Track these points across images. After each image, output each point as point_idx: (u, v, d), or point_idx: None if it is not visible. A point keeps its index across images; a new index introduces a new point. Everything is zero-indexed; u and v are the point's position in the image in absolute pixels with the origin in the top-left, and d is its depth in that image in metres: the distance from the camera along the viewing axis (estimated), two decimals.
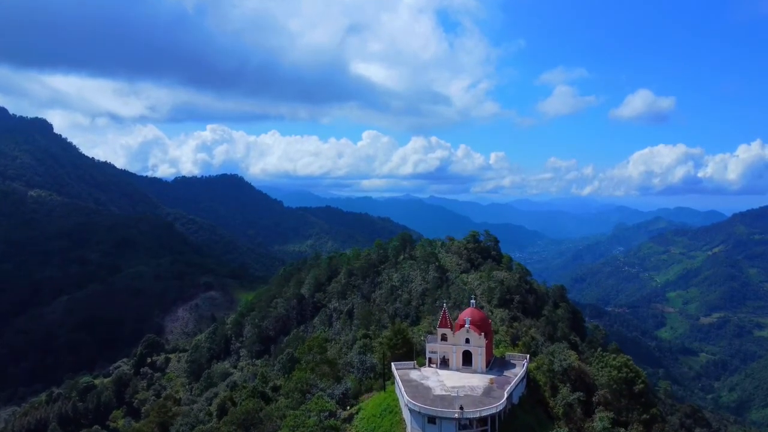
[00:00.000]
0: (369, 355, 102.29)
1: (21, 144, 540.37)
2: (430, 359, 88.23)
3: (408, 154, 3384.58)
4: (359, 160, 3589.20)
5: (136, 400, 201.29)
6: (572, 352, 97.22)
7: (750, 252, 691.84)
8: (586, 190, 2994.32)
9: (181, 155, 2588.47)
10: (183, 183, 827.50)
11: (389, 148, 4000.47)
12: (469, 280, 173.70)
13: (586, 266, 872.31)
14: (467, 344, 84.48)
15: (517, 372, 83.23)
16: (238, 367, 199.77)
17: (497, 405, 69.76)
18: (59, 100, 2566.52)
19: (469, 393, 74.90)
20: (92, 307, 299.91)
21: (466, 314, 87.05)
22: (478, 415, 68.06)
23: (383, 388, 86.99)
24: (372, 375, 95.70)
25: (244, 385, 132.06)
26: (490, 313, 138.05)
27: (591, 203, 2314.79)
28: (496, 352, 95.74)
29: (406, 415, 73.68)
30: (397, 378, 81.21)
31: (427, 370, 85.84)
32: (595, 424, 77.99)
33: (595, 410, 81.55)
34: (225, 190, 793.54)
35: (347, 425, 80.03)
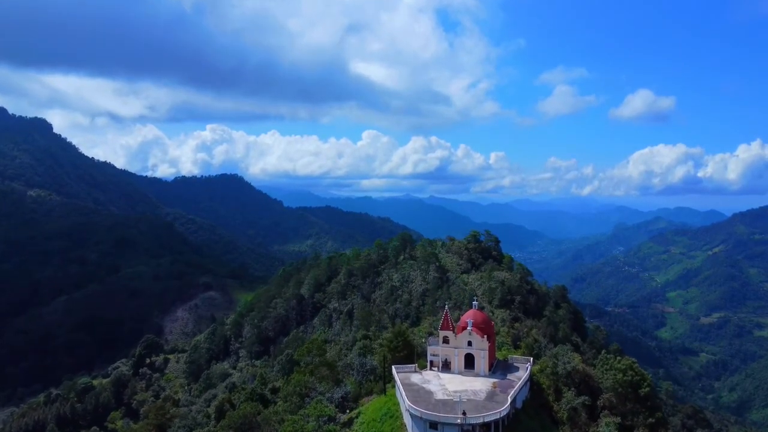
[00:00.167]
0: (369, 357, 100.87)
1: (20, 144, 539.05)
2: (431, 362, 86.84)
3: (408, 154, 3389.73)
4: (359, 159, 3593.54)
5: (135, 401, 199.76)
6: (576, 355, 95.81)
7: (750, 252, 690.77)
8: (586, 190, 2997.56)
9: (181, 155, 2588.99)
10: (183, 183, 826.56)
11: (389, 147, 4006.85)
12: (470, 280, 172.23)
13: (586, 266, 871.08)
14: (470, 347, 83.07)
15: (521, 375, 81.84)
16: (237, 367, 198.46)
17: (501, 410, 68.31)
18: (59, 99, 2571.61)
19: (471, 397, 73.39)
20: (91, 307, 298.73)
21: (469, 316, 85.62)
22: (481, 421, 66.60)
23: (383, 391, 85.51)
24: (372, 378, 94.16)
25: (243, 386, 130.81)
26: (491, 314, 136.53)
27: (591, 203, 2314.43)
28: (498, 355, 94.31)
29: (407, 420, 72.24)
30: (398, 382, 79.78)
31: (428, 374, 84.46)
32: (600, 429, 76.56)
33: (600, 414, 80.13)
34: (225, 190, 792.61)
35: (347, 430, 78.61)
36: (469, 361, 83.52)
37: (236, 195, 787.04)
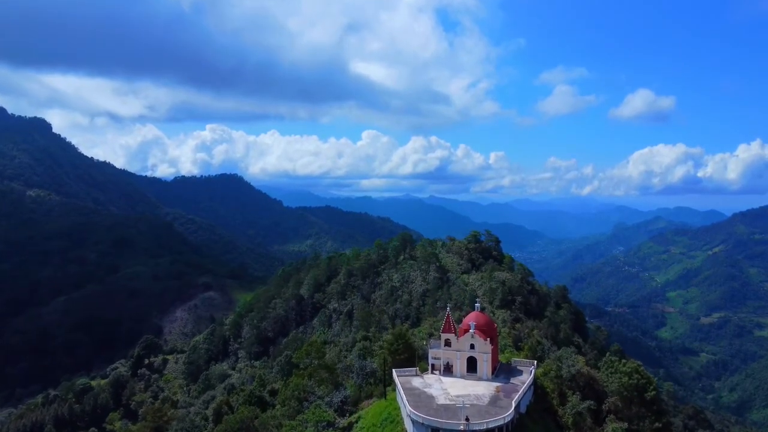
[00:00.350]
0: (369, 359, 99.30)
1: (19, 144, 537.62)
2: (432, 365, 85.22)
3: (408, 154, 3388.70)
4: (359, 159, 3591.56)
5: (134, 402, 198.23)
6: (580, 357, 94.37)
7: (750, 252, 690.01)
8: (586, 190, 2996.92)
9: (181, 155, 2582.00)
10: (182, 183, 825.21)
11: (389, 147, 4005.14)
12: (471, 280, 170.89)
13: (586, 266, 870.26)
14: (472, 350, 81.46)
15: (524, 379, 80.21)
16: (237, 368, 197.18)
17: (505, 416, 66.76)
18: (58, 99, 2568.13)
19: (474, 402, 71.73)
20: (90, 307, 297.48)
21: (471, 318, 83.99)
22: (485, 427, 64.97)
23: (384, 395, 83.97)
24: (372, 381, 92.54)
25: (242, 388, 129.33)
26: (492, 315, 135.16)
27: (591, 203, 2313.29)
28: (501, 358, 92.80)
29: (408, 425, 70.62)
30: (399, 386, 78.15)
31: (429, 377, 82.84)
32: None
33: (606, 419, 78.64)
34: (224, 190, 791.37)
35: None
36: (472, 365, 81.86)
37: (236, 195, 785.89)
